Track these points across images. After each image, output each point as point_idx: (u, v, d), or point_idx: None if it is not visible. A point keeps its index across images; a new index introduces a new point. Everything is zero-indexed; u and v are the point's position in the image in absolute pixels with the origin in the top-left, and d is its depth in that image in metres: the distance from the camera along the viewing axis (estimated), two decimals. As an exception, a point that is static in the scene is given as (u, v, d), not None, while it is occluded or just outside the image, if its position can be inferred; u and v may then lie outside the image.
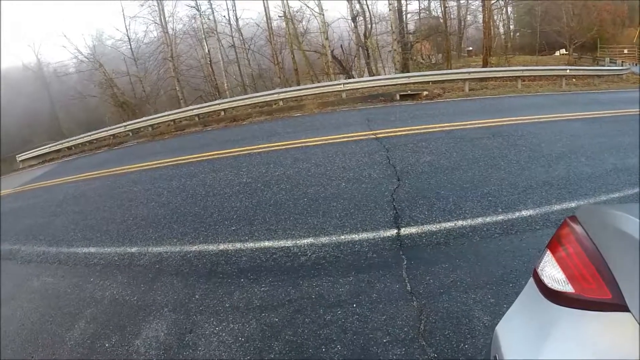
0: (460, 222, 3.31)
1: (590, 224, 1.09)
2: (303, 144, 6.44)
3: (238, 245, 3.34)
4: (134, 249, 3.73)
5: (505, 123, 6.95)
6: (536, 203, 3.58)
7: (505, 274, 2.51)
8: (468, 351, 1.96)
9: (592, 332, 0.93)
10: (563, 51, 26.20)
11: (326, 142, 6.40)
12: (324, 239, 3.22)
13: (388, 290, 2.46)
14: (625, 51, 25.39)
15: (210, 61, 20.78)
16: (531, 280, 1.18)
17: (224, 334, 2.32)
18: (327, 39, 19.87)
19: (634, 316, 0.85)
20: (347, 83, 12.61)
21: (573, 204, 3.62)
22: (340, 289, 2.54)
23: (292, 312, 2.40)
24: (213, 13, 21.49)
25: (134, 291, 2.98)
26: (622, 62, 19.57)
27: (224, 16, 24.22)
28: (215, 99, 16.63)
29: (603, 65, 19.01)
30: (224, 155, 6.64)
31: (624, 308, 0.88)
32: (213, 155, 6.85)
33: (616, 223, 1.02)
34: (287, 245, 3.22)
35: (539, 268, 1.15)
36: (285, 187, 4.56)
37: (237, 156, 6.42)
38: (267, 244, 3.29)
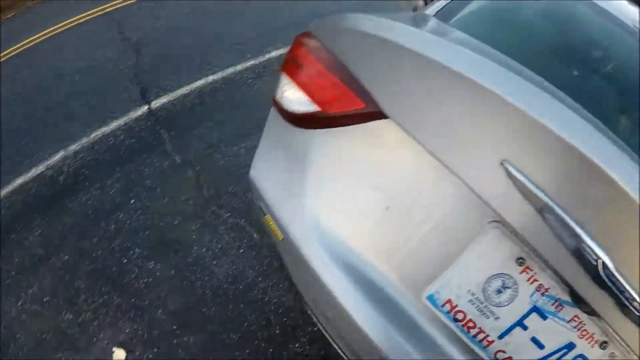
0: (211, 77, 3.30)
1: (328, 36, 0.95)
2: (24, 47, 4.91)
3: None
4: None
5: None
6: (286, 42, 3.65)
7: (267, 114, 2.69)
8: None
9: (352, 147, 0.88)
10: None
11: (52, 34, 5.00)
12: (73, 147, 2.85)
13: (159, 170, 2.45)
14: None
15: None
16: (273, 110, 1.07)
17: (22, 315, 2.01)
18: None
19: (393, 120, 0.81)
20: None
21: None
22: (111, 192, 2.41)
23: (77, 241, 2.23)
24: None
25: None
26: None
27: None
28: None
29: None
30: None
31: (382, 115, 0.82)
32: None
33: (358, 26, 0.90)
34: (40, 171, 2.74)
35: (278, 96, 1.03)
36: (16, 107, 3.59)
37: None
38: (19, 181, 2.74)
